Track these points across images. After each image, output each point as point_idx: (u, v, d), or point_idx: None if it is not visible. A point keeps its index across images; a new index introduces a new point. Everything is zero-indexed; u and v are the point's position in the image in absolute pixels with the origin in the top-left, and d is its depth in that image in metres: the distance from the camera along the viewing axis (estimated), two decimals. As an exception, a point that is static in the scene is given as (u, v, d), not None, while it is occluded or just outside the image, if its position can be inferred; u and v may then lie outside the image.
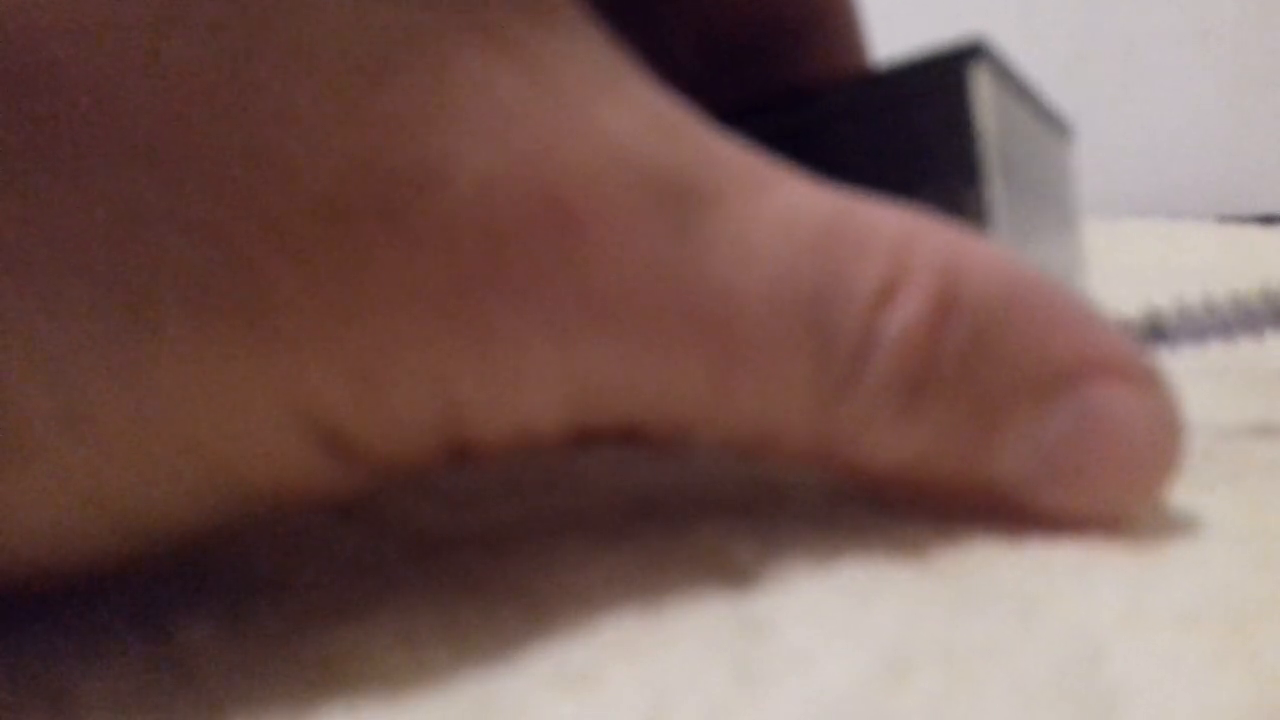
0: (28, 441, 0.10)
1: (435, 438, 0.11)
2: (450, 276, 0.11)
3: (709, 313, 0.12)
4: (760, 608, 0.12)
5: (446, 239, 0.11)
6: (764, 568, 0.13)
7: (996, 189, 0.16)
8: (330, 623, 0.12)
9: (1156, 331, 0.19)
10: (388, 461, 0.11)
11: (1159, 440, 0.13)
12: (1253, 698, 0.10)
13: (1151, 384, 0.13)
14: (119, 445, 0.10)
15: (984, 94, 0.16)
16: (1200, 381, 0.22)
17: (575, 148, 0.11)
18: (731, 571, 0.13)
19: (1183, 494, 0.15)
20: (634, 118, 0.12)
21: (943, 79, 0.17)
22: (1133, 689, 0.10)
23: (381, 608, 0.12)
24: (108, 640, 0.12)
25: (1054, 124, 0.21)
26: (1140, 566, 0.12)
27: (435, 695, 0.10)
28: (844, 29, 0.20)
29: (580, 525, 0.14)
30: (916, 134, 0.17)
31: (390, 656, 0.11)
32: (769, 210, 0.12)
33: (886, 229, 0.12)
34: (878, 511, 0.14)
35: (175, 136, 0.10)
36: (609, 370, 0.12)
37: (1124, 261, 0.45)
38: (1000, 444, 0.13)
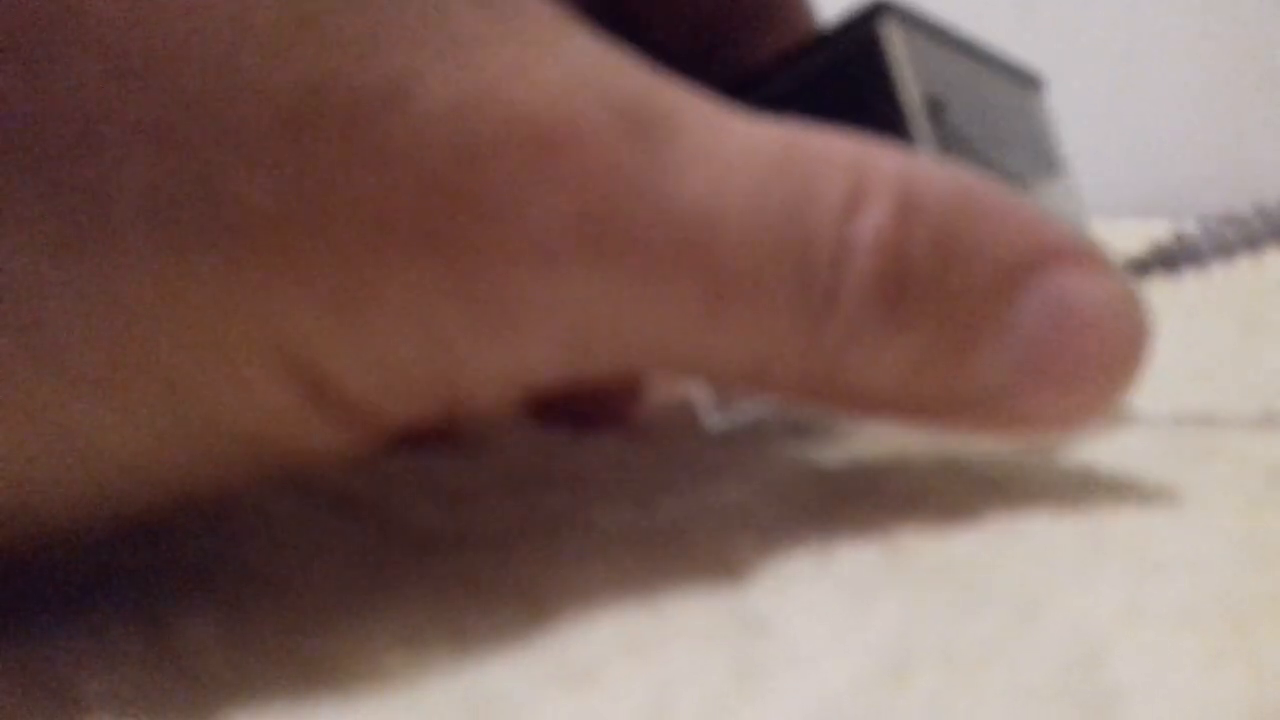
0: None
1: (428, 386, 0.11)
2: (424, 196, 0.11)
3: (691, 236, 0.12)
4: (760, 606, 0.12)
5: (416, 156, 0.10)
6: (764, 567, 0.13)
7: (921, 132, 0.16)
8: (330, 623, 0.12)
9: (1164, 259, 0.19)
10: (384, 416, 0.11)
11: (1126, 317, 0.13)
12: (1252, 697, 0.10)
13: (1108, 268, 0.13)
14: (87, 376, 0.10)
15: (895, 46, 0.16)
16: (1200, 381, 0.22)
17: (544, 72, 0.11)
18: (732, 570, 0.13)
19: (1183, 494, 0.15)
20: (591, 52, 0.12)
21: (856, 39, 0.17)
22: (1132, 689, 0.10)
23: (381, 608, 0.12)
24: (108, 640, 0.12)
25: (1013, 74, 0.21)
26: (1140, 566, 0.12)
27: (435, 694, 0.10)
28: (795, 12, 0.20)
29: (580, 524, 0.14)
30: (846, 99, 0.17)
31: (390, 656, 0.11)
32: (729, 138, 0.12)
33: (841, 148, 0.13)
34: (878, 511, 0.14)
35: (134, 39, 0.10)
36: (601, 302, 0.12)
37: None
38: (978, 348, 0.13)
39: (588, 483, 0.16)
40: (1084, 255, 0.13)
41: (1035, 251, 0.13)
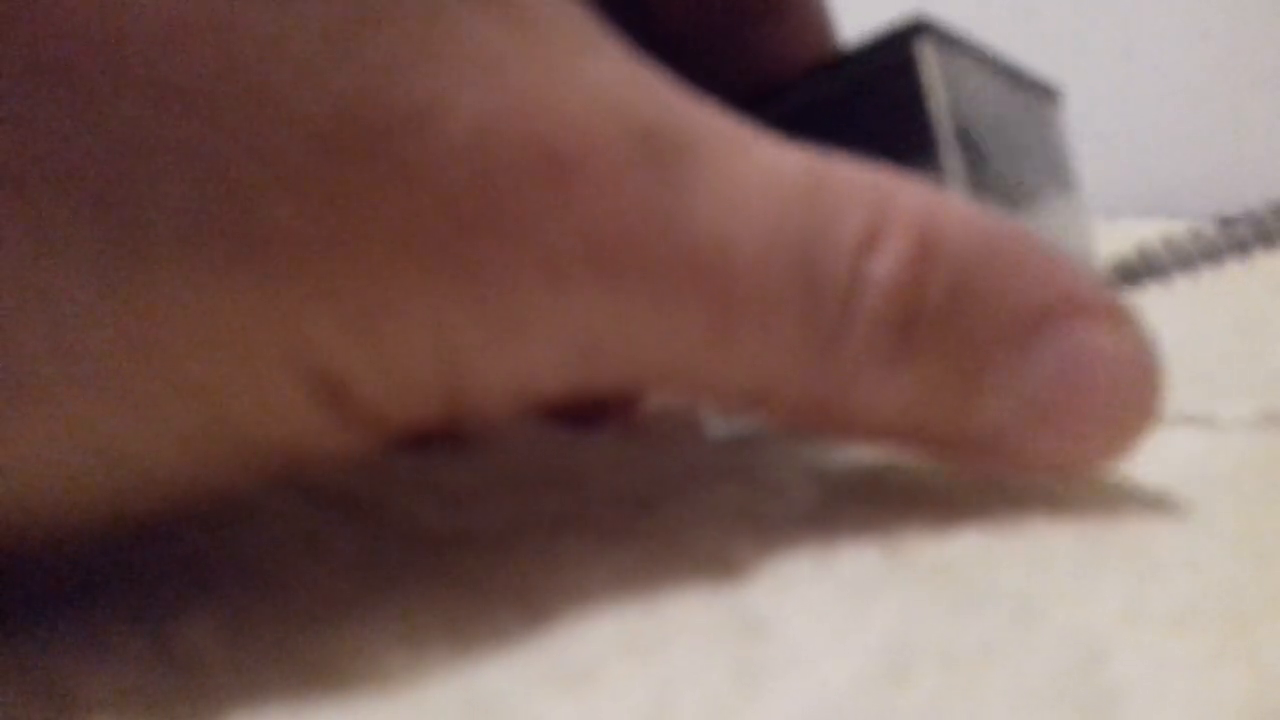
0: (27, 382, 0.10)
1: (437, 392, 0.11)
2: (445, 217, 0.11)
3: (704, 261, 0.12)
4: (760, 607, 0.12)
5: (441, 179, 0.11)
6: (764, 567, 0.13)
7: (952, 160, 0.16)
8: (330, 623, 0.12)
9: (1127, 274, 0.19)
10: (390, 419, 0.11)
11: (1139, 375, 0.13)
12: (1251, 697, 0.10)
13: (1126, 321, 0.13)
14: (118, 386, 0.10)
15: (931, 69, 0.16)
16: (1199, 381, 0.22)
17: (564, 96, 0.11)
18: (731, 571, 0.13)
19: (1183, 494, 0.15)
20: (616, 73, 0.12)
21: (891, 59, 0.17)
22: (1132, 689, 0.10)
23: (381, 608, 0.12)
24: (108, 640, 0.12)
25: (1034, 88, 0.21)
26: (1140, 566, 0.12)
27: (435, 694, 0.10)
28: (810, 9, 0.20)
29: (580, 524, 0.14)
30: (876, 117, 0.17)
31: (390, 656, 0.11)
32: (750, 165, 0.12)
33: (864, 183, 0.13)
34: (878, 511, 0.14)
35: (171, 63, 0.10)
36: (609, 321, 0.12)
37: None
38: (985, 390, 0.13)
39: (588, 483, 0.16)
40: (1103, 309, 0.13)
41: (1053, 303, 0.13)
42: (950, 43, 0.17)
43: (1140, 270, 0.19)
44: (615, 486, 0.16)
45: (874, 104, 0.17)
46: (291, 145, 0.10)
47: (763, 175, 0.12)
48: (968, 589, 0.12)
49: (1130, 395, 0.13)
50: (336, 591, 0.13)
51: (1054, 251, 0.13)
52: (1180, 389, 0.21)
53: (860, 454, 0.17)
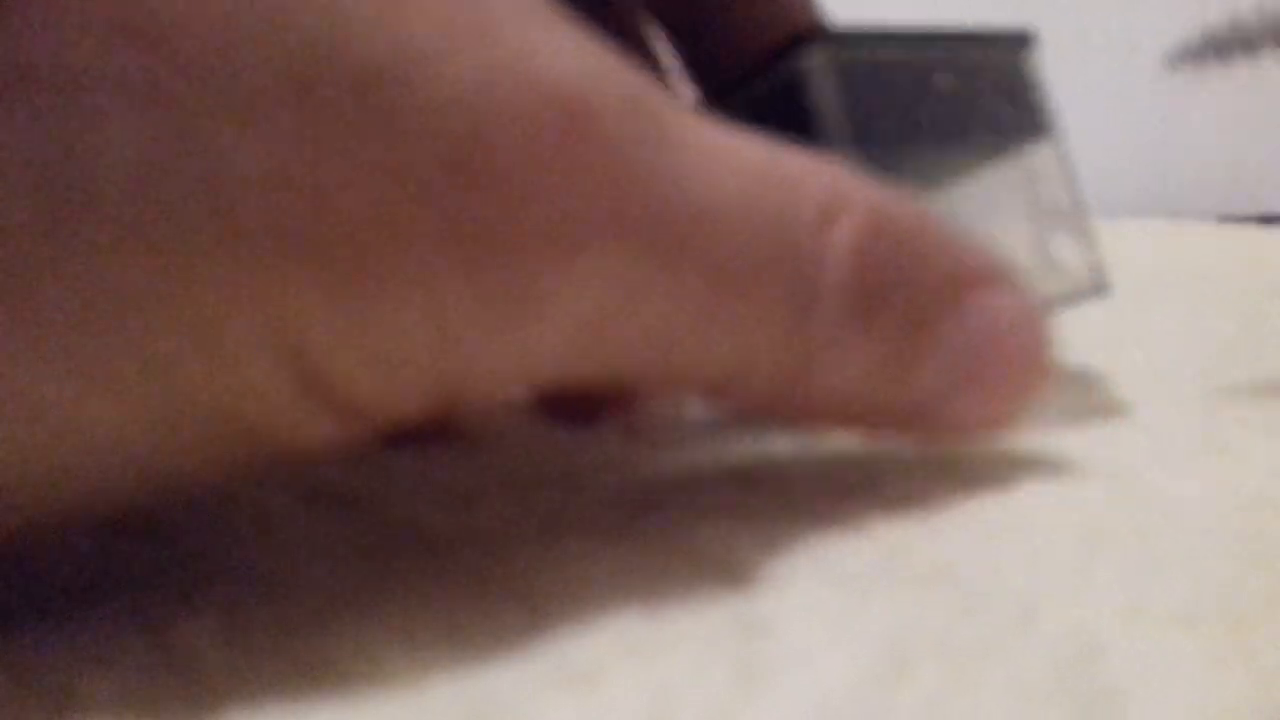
0: None
1: (430, 381, 0.11)
2: (441, 173, 0.10)
3: (698, 228, 0.12)
4: (760, 607, 0.12)
5: (437, 130, 0.10)
6: (764, 567, 0.13)
7: (857, 161, 0.17)
8: (329, 623, 0.12)
9: (1219, 47, 0.19)
10: (377, 405, 0.11)
11: (1036, 334, 0.15)
12: (1252, 697, 0.10)
13: (1016, 288, 0.15)
14: (75, 356, 0.09)
15: (823, 84, 0.17)
16: (1200, 381, 0.22)
17: (564, 50, 0.11)
18: (731, 570, 0.13)
19: (1183, 494, 0.15)
20: (589, 47, 0.12)
21: (788, 75, 0.18)
22: (1131, 689, 0.10)
23: (381, 607, 0.12)
24: (108, 639, 0.12)
25: (987, 47, 0.21)
26: (1140, 566, 0.12)
27: (435, 695, 0.10)
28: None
29: (580, 525, 0.14)
30: (789, 122, 0.18)
31: (390, 657, 0.11)
32: (717, 143, 0.13)
33: (817, 167, 0.14)
34: (878, 511, 0.14)
35: (127, 1, 0.09)
36: (618, 291, 0.11)
37: (1124, 261, 0.45)
38: (924, 356, 0.14)
39: (587, 483, 0.16)
40: (999, 277, 0.15)
41: (968, 273, 0.14)
42: (850, 42, 0.18)
43: (1231, 43, 0.19)
44: (615, 486, 0.16)
45: (784, 110, 0.18)
46: (257, 85, 0.09)
47: (729, 152, 0.13)
48: (968, 589, 0.12)
49: (1031, 353, 0.15)
50: (336, 591, 0.13)
51: (953, 230, 0.15)
52: (1181, 389, 0.21)
53: (860, 454, 0.17)
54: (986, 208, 0.20)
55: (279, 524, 0.15)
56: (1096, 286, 0.21)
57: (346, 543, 0.14)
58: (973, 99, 0.20)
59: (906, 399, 0.14)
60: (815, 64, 0.18)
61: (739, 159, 0.13)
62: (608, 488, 0.16)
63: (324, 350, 0.10)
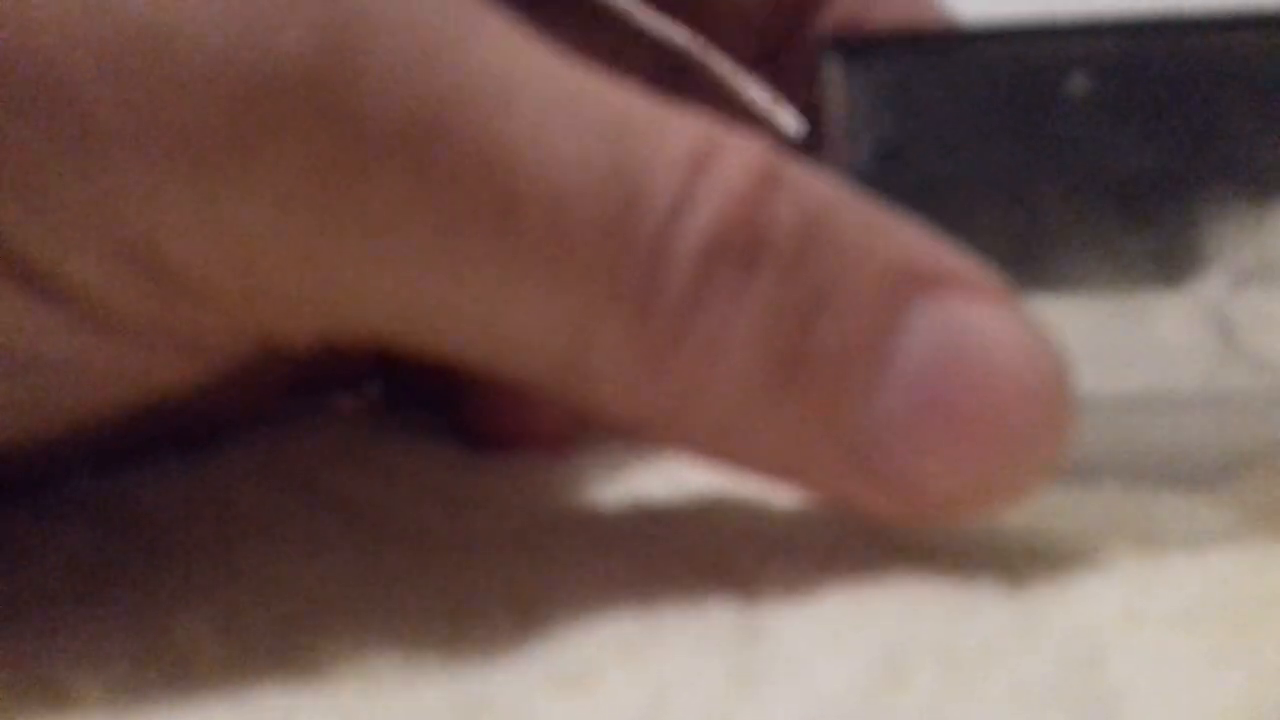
0: None
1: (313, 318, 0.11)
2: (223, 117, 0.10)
3: (486, 171, 0.10)
4: (758, 609, 0.12)
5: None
6: (762, 569, 0.13)
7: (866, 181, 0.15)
8: (326, 624, 0.12)
9: None
10: (213, 291, 0.11)
11: (1039, 372, 0.11)
12: (1252, 697, 0.10)
13: (1012, 306, 0.11)
14: None
15: (833, 82, 0.16)
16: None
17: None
18: (729, 573, 0.13)
19: (1183, 494, 0.15)
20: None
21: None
22: (1132, 689, 0.10)
23: (378, 609, 0.12)
24: (107, 639, 0.12)
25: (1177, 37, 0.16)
26: (1140, 566, 0.12)
27: (431, 697, 0.10)
28: None
29: (579, 527, 0.14)
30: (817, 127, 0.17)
31: (386, 659, 0.11)
32: (560, 94, 0.11)
33: (695, 116, 0.11)
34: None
35: None
36: (403, 224, 0.11)
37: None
38: (846, 382, 0.11)
39: (586, 484, 0.16)
40: (981, 285, 0.11)
41: (925, 270, 0.11)
42: (891, 52, 0.16)
43: None
44: (614, 489, 0.16)
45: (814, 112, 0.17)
46: (112, 36, 0.10)
47: (573, 100, 0.11)
48: (967, 589, 0.12)
49: (1029, 391, 0.11)
50: (332, 594, 0.13)
51: (926, 230, 0.11)
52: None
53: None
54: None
55: (275, 525, 0.15)
56: None
57: (343, 545, 0.14)
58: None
59: (836, 435, 0.11)
60: (833, 67, 0.16)
61: (583, 101, 0.11)
62: (605, 489, 0.16)
63: (174, 242, 0.10)
